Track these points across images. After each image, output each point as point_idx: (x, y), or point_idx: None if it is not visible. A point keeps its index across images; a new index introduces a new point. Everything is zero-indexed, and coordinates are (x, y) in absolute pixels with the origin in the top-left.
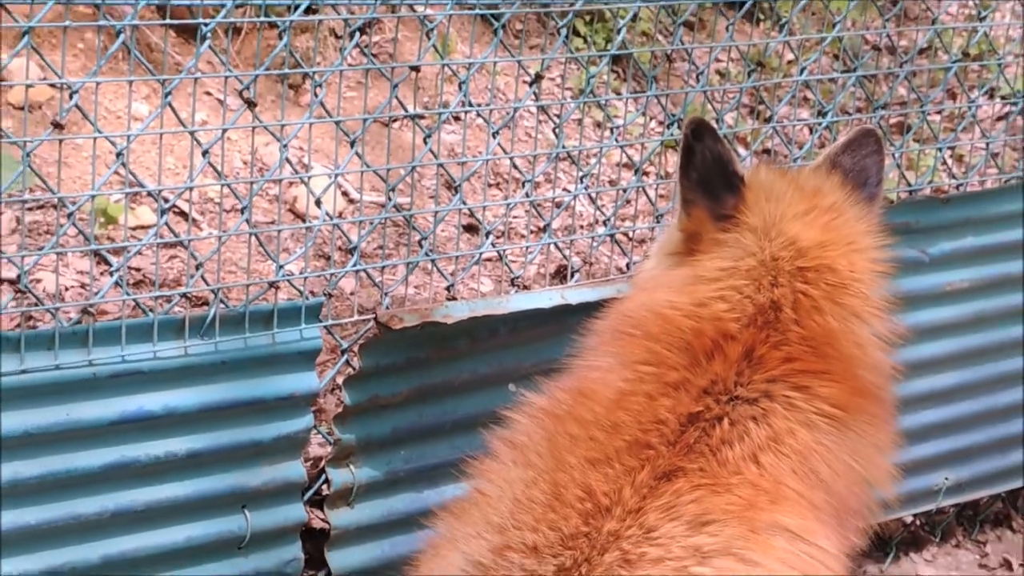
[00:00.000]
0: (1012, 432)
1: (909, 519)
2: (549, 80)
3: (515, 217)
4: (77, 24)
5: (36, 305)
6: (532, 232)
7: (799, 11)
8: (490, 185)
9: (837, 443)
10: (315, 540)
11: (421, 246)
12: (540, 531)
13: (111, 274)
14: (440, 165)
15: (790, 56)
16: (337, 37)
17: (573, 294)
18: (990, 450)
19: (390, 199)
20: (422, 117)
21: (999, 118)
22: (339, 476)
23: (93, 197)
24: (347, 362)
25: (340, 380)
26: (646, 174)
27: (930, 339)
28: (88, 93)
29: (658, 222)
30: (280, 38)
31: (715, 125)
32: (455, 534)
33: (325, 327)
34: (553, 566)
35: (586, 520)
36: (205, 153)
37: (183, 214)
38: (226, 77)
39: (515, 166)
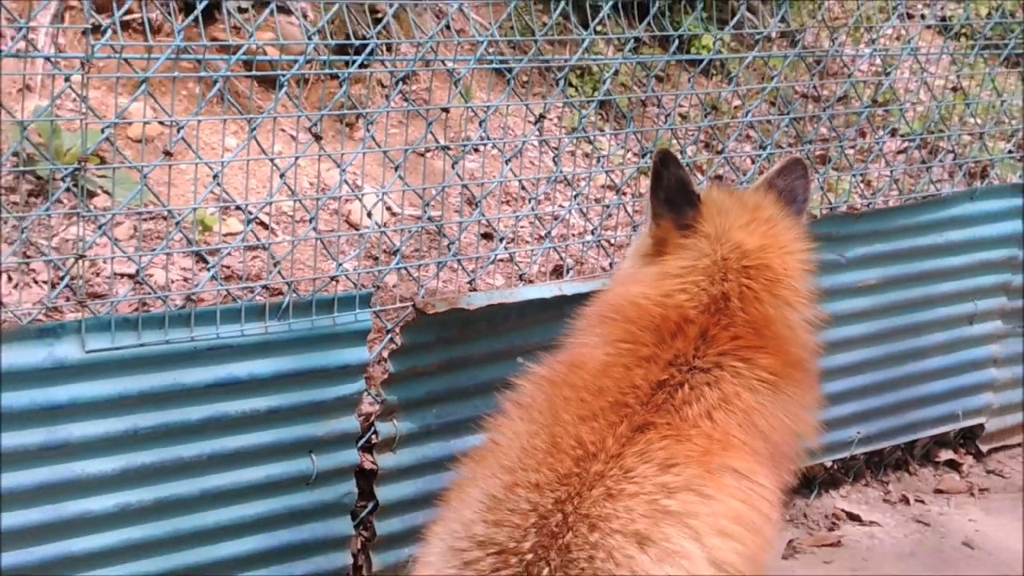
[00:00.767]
0: (908, 397)
1: (828, 463)
2: (548, 120)
3: (522, 227)
4: (182, 75)
5: (150, 294)
6: (535, 239)
7: (744, 67)
8: (502, 202)
9: (773, 403)
10: (366, 478)
11: (448, 249)
12: (541, 472)
13: (208, 270)
14: (464, 186)
15: (737, 102)
16: (383, 87)
17: (568, 287)
18: (891, 411)
19: (424, 212)
20: (449, 148)
21: (899, 152)
22: (385, 428)
23: (194, 210)
24: (391, 339)
25: (385, 354)
26: (624, 194)
27: (845, 324)
28: (191, 129)
29: (633, 231)
30: (340, 87)
31: (678, 156)
32: (475, 474)
33: (374, 312)
34: (552, 499)
35: (577, 463)
36: (281, 176)
37: (263, 224)
38: (298, 116)
39: (522, 187)
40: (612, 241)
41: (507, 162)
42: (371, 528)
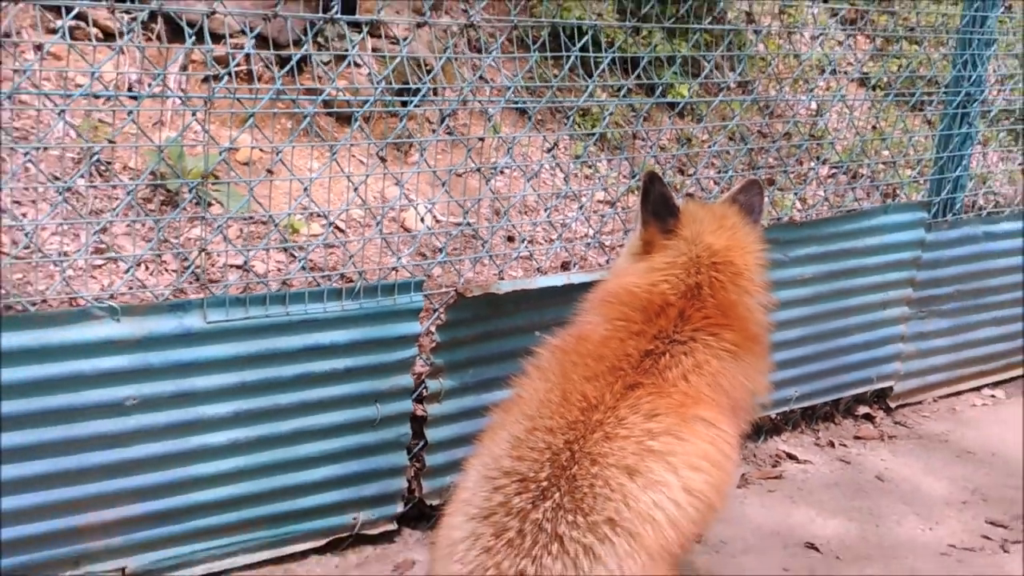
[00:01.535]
0: (835, 365)
1: (773, 415)
2: (558, 149)
3: (538, 231)
4: (279, 112)
5: (253, 280)
6: (548, 241)
7: (710, 110)
8: (522, 212)
9: (734, 368)
10: (418, 423)
11: (482, 248)
12: (555, 419)
13: (297, 262)
14: (493, 199)
15: (704, 137)
16: (430, 122)
17: (575, 277)
18: (822, 375)
19: (463, 219)
20: (482, 170)
21: (829, 176)
22: (433, 385)
23: (287, 216)
24: (438, 317)
25: (433, 328)
26: (617, 206)
27: (788, 308)
28: (285, 155)
29: (625, 235)
30: (398, 122)
31: (662, 177)
32: (503, 421)
33: (424, 295)
34: (562, 440)
35: (582, 413)
36: (355, 190)
37: (339, 228)
38: (367, 145)
39: (538, 200)
40: (608, 243)
41: (527, 181)
42: (422, 460)
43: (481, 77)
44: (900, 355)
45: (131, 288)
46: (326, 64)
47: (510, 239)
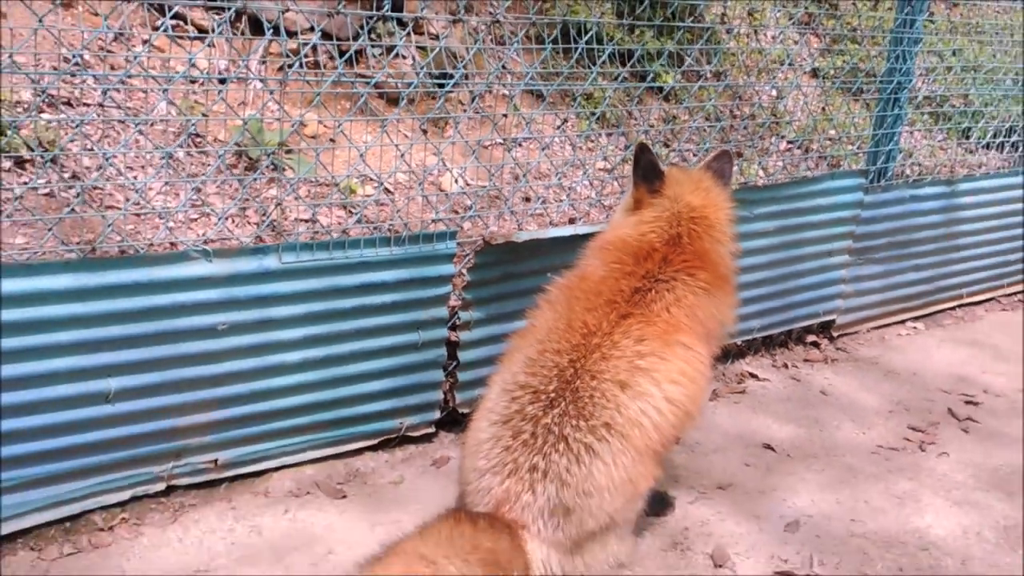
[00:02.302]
0: (789, 301)
1: (739, 342)
2: (567, 126)
3: (549, 193)
4: (340, 93)
5: (319, 230)
6: (558, 200)
7: (690, 96)
8: (537, 177)
9: (708, 302)
10: (452, 346)
11: (504, 205)
12: (561, 343)
13: (355, 215)
14: (514, 166)
15: (686, 117)
16: (462, 103)
17: (580, 229)
18: (778, 310)
19: (489, 182)
20: (504, 142)
21: (786, 150)
22: (464, 315)
23: (347, 178)
24: (468, 260)
25: (464, 270)
26: (613, 172)
27: (751, 256)
28: (344, 128)
29: (620, 196)
30: (436, 102)
31: (651, 148)
32: (520, 345)
33: (458, 243)
34: (567, 359)
35: (584, 338)
36: (402, 156)
37: (388, 189)
38: (411, 120)
39: (551, 167)
40: (606, 203)
41: (541, 151)
42: (455, 377)
43: (504, 66)
44: (841, 294)
45: (221, 236)
46: (378, 55)
47: (527, 199)
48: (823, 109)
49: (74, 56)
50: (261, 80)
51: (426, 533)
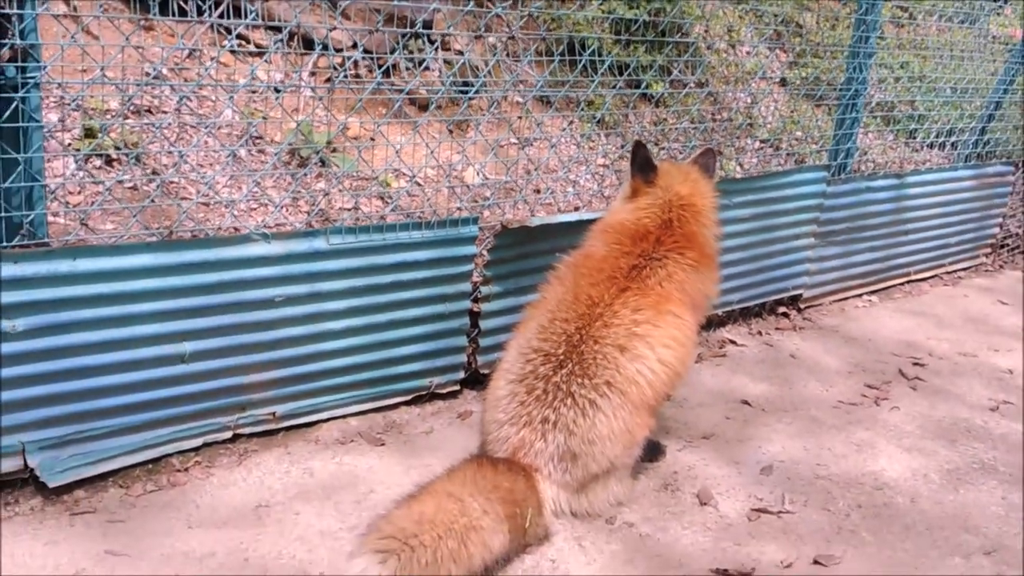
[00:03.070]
0: (763, 278)
1: (720, 312)
2: (572, 127)
3: (557, 185)
4: (379, 99)
5: (360, 217)
6: (564, 191)
7: (677, 101)
8: (546, 172)
9: (695, 278)
10: (474, 316)
11: (518, 195)
12: (569, 312)
13: (391, 204)
14: (527, 162)
15: (673, 120)
16: (482, 108)
17: (585, 215)
18: (754, 285)
19: (506, 176)
20: (518, 142)
21: (759, 148)
22: (485, 289)
23: (384, 173)
24: (488, 242)
25: (484, 250)
26: (612, 167)
27: (731, 238)
28: (382, 130)
29: (618, 186)
30: (459, 107)
31: (645, 145)
32: (533, 314)
33: (479, 227)
34: (574, 327)
35: (588, 308)
36: (430, 154)
37: (418, 183)
38: (439, 123)
39: (559, 163)
40: (606, 193)
41: (550, 149)
42: (476, 342)
43: (518, 76)
44: (807, 271)
45: (277, 222)
46: (410, 67)
47: (537, 190)
48: (791, 113)
49: (154, 70)
50: (311, 89)
51: (453, 475)
